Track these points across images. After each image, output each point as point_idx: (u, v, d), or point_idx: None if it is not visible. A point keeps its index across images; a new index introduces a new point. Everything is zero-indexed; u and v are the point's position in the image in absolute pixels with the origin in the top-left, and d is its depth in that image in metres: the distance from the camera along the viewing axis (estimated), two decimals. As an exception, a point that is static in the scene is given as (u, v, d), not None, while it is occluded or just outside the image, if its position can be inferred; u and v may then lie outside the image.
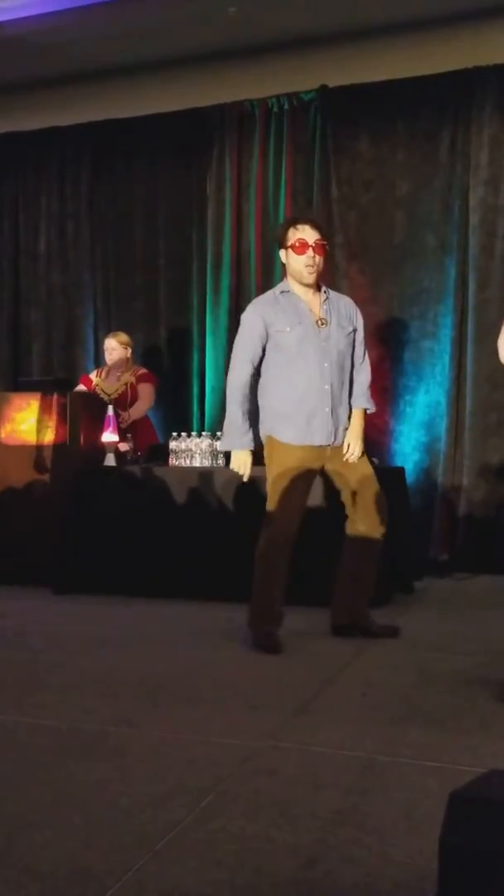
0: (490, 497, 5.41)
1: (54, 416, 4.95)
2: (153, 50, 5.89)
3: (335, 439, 3.44)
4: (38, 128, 6.48)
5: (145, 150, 6.26)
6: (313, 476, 3.51)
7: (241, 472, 3.46)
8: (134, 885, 1.60)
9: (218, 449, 4.44)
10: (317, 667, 3.14)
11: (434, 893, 1.16)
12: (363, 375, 3.56)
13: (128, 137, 6.28)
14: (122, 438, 4.88)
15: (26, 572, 4.76)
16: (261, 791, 2.03)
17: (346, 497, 3.52)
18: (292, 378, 3.39)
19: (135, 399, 5.31)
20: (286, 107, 5.90)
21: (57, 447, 4.93)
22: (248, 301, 5.99)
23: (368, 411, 3.58)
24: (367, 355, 3.60)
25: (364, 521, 3.49)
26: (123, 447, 4.87)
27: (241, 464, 3.44)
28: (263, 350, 3.41)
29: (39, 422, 4.97)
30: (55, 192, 6.58)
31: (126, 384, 5.34)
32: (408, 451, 5.57)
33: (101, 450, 4.80)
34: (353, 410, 3.52)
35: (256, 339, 3.40)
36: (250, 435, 3.44)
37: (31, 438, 4.98)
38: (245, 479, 3.49)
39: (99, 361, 6.14)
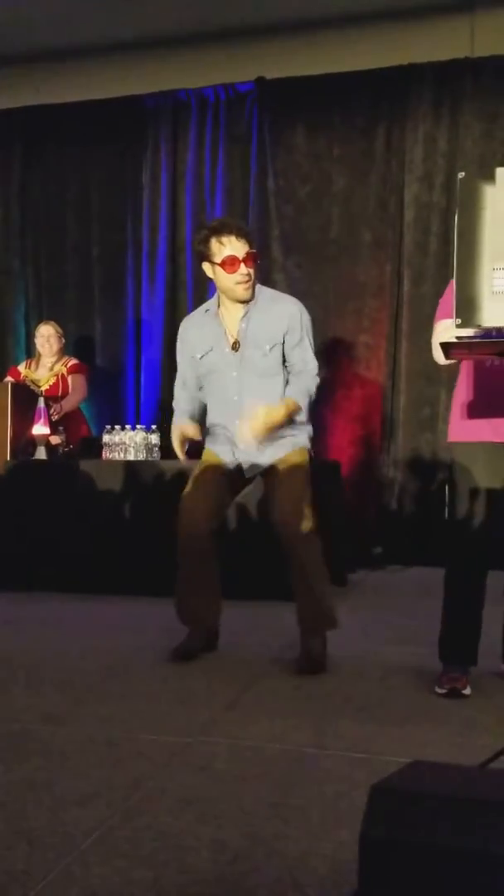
0: (423, 490, 5.48)
1: (-17, 408, 4.82)
2: (88, 35, 5.78)
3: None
4: (-32, 111, 6.32)
5: (79, 137, 6.15)
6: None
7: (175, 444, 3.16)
8: (57, 887, 1.56)
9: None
10: (249, 661, 3.12)
11: (355, 886, 1.15)
12: (297, 384, 3.06)
13: (61, 123, 6.17)
14: (54, 431, 4.79)
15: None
16: (188, 787, 2.00)
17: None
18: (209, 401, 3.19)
19: (66, 390, 5.20)
20: (223, 97, 5.86)
21: (-14, 440, 4.80)
22: (185, 292, 5.99)
23: (290, 410, 3.00)
24: (308, 361, 3.08)
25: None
26: (55, 440, 4.78)
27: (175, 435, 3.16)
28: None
29: (-33, 414, 4.83)
30: (-15, 177, 6.41)
31: (57, 375, 5.23)
32: (343, 444, 5.61)
33: (32, 443, 4.70)
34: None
35: (186, 358, 3.20)
36: (185, 418, 3.18)
37: (-40, 431, 4.85)
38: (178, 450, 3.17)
39: (30, 352, 6.01)
